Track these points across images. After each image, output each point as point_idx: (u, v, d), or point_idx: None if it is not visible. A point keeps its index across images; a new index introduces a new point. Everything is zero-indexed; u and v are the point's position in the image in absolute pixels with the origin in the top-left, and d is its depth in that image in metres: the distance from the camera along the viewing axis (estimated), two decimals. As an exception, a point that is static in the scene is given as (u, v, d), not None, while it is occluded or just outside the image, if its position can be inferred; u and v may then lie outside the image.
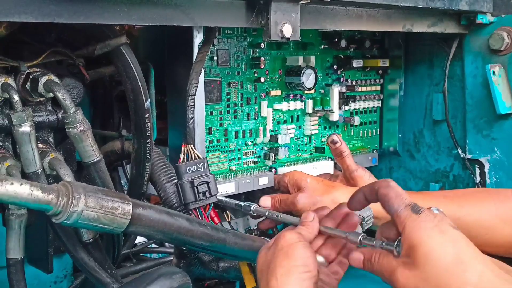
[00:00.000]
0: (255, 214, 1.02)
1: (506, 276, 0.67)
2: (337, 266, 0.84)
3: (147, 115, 0.90)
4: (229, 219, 1.25)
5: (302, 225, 0.82)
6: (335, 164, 1.30)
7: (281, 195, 1.14)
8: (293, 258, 0.73)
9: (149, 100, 0.90)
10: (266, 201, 1.12)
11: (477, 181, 1.30)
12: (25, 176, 0.79)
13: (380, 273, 0.73)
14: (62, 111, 0.80)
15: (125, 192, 1.09)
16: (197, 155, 0.98)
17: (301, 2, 0.92)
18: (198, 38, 1.02)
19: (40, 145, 0.84)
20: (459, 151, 1.33)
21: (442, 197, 1.05)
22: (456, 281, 0.66)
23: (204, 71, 1.08)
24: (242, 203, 1.03)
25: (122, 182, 1.20)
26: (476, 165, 1.30)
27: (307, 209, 1.00)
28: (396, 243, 0.73)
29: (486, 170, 1.28)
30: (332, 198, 1.07)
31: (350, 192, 1.06)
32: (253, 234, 1.36)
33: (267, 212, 1.00)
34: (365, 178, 1.17)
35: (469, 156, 1.31)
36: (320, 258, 0.82)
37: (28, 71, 0.82)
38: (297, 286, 0.71)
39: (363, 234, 0.78)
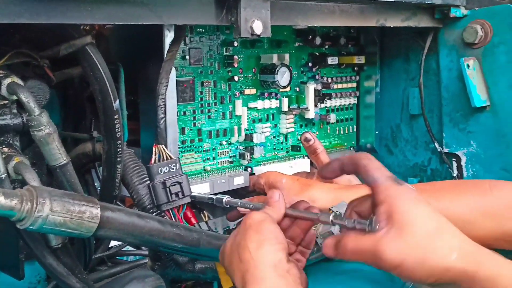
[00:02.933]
0: (228, 205, 1.01)
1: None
2: (299, 255, 0.84)
3: (116, 116, 0.88)
4: (207, 219, 1.23)
5: (268, 205, 0.82)
6: (311, 162, 1.29)
7: (258, 198, 1.13)
8: (264, 233, 0.73)
9: (118, 100, 0.88)
10: None
11: (454, 175, 1.30)
12: (-11, 181, 0.77)
13: (359, 253, 0.72)
14: (27, 113, 0.79)
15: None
16: (169, 156, 0.96)
17: (271, -2, 0.91)
18: (169, 37, 1.00)
19: (5, 149, 0.82)
20: (436, 145, 1.33)
21: (420, 190, 1.05)
22: (441, 245, 0.68)
23: (177, 71, 1.06)
24: (214, 196, 1.01)
25: (96, 184, 1.18)
26: (453, 159, 1.30)
27: None
28: (368, 221, 0.72)
29: (463, 163, 1.28)
30: (308, 196, 1.06)
31: (326, 189, 1.06)
32: (232, 234, 1.35)
33: (239, 203, 0.99)
34: None
35: (446, 150, 1.31)
36: None
37: (-10, 73, 0.80)
38: (271, 256, 0.71)
39: (333, 213, 0.77)
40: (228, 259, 0.77)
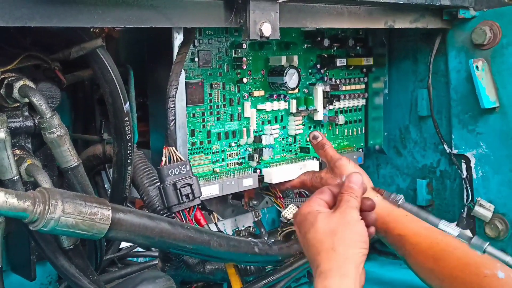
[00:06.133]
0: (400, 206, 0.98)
1: None
2: None
3: (127, 118, 0.89)
4: (216, 221, 1.24)
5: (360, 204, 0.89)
6: (320, 163, 1.29)
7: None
8: (358, 234, 0.84)
9: (128, 102, 0.88)
10: None
11: (464, 176, 1.29)
12: (1, 183, 0.77)
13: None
14: (39, 116, 0.79)
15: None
16: (179, 157, 0.97)
17: (280, 1, 0.91)
18: (178, 39, 1.01)
19: (17, 151, 0.83)
20: (445, 146, 1.32)
21: None
22: None
23: (186, 73, 1.07)
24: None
25: (106, 186, 1.19)
26: (462, 160, 1.30)
27: None
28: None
29: (472, 165, 1.28)
30: None
31: None
32: (241, 235, 1.35)
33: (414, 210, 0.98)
34: (350, 167, 1.15)
35: (455, 151, 1.31)
36: None
37: (2, 76, 0.81)
38: (358, 258, 0.81)
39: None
40: (325, 234, 0.84)
